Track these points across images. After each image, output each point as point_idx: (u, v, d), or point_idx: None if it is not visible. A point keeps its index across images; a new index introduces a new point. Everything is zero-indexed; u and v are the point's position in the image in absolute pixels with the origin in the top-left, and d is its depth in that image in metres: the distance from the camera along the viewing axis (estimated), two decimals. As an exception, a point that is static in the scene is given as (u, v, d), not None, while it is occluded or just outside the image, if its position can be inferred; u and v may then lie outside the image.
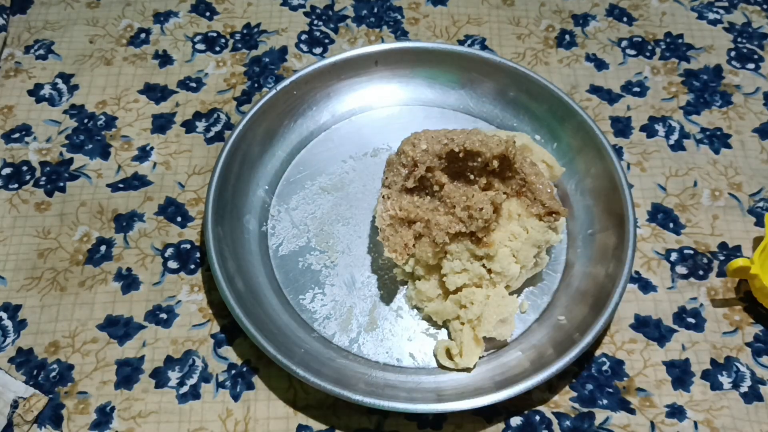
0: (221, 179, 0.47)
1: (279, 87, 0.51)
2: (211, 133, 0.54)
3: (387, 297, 0.47)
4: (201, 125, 0.54)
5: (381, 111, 0.54)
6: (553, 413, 0.43)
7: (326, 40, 0.59)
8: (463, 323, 0.43)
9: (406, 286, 0.47)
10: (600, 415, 0.43)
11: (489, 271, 0.44)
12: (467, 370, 0.43)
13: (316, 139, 0.53)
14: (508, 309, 0.43)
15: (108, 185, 0.51)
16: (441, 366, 0.44)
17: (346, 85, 0.53)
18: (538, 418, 0.43)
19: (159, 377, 0.44)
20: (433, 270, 0.45)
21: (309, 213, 0.50)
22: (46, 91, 0.56)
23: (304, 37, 0.59)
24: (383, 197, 0.44)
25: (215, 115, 0.55)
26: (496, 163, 0.43)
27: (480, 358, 0.43)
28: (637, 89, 0.57)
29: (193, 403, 0.43)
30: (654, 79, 0.57)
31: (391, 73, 0.54)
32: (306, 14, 0.61)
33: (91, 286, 0.47)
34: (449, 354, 0.44)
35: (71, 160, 0.52)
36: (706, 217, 0.51)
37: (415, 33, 0.59)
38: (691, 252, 0.49)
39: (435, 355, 0.44)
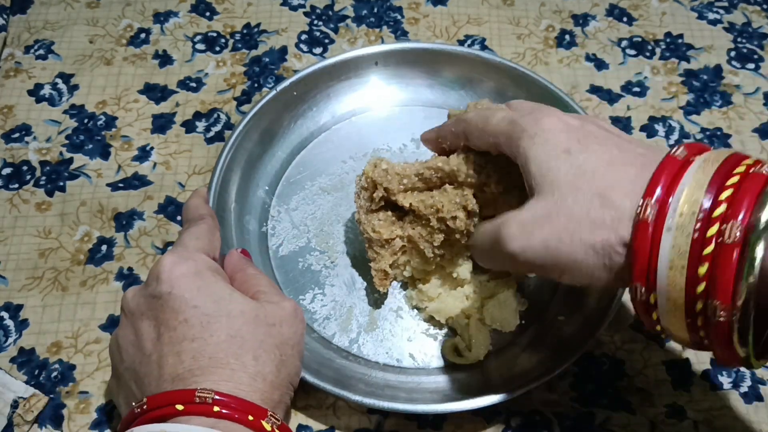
0: (221, 180, 0.47)
1: (279, 87, 0.51)
2: (211, 133, 0.54)
3: (387, 297, 0.47)
4: (201, 125, 0.54)
5: (381, 111, 0.54)
6: (553, 413, 0.43)
7: (326, 40, 0.59)
8: (468, 316, 0.43)
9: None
10: (600, 415, 0.43)
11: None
12: (477, 363, 0.43)
13: (316, 139, 0.53)
14: (509, 298, 0.43)
15: (108, 185, 0.51)
16: (451, 364, 0.44)
17: (346, 85, 0.53)
18: (538, 418, 0.43)
19: (159, 377, 0.44)
20: (433, 271, 0.45)
21: (309, 213, 0.50)
22: (46, 91, 0.56)
23: (304, 37, 0.59)
24: (357, 221, 0.44)
25: (215, 115, 0.55)
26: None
27: (488, 350, 0.43)
28: (637, 89, 0.57)
29: (194, 403, 0.43)
30: (654, 79, 0.57)
31: (391, 73, 0.54)
32: (306, 14, 0.61)
33: (92, 286, 0.47)
34: (456, 351, 0.44)
35: (71, 160, 0.52)
36: (706, 217, 0.51)
37: (415, 33, 0.59)
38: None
39: (443, 354, 0.44)
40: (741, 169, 0.28)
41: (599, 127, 0.34)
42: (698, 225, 0.27)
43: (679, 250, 0.28)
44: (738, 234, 0.26)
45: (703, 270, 0.27)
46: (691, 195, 0.28)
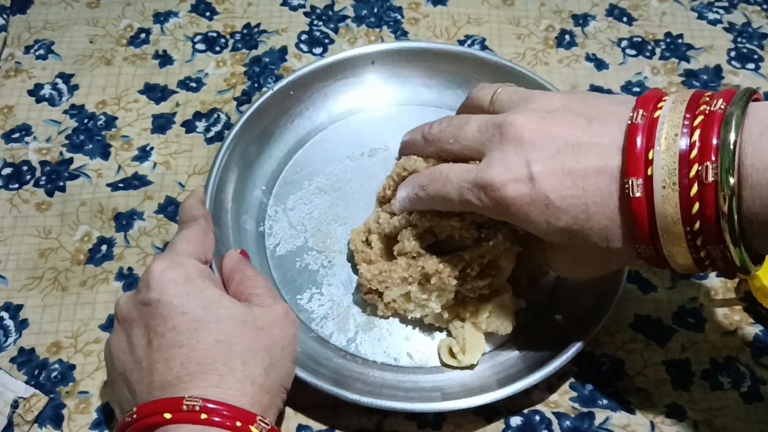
0: (218, 179, 0.47)
1: (276, 87, 0.51)
2: (211, 133, 0.54)
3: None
4: (201, 125, 0.54)
5: (378, 111, 0.54)
6: (553, 413, 0.43)
7: (326, 40, 0.59)
8: (463, 319, 0.43)
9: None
10: (600, 415, 0.43)
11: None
12: (471, 367, 0.43)
13: (313, 139, 0.53)
14: (505, 302, 0.43)
15: (108, 185, 0.51)
16: (445, 365, 0.44)
17: (342, 85, 0.53)
18: (538, 417, 0.43)
19: (158, 377, 0.44)
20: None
21: (306, 213, 0.50)
22: (46, 91, 0.56)
23: (304, 37, 0.59)
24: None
25: (215, 115, 0.55)
26: None
27: (482, 354, 0.43)
28: (637, 89, 0.56)
29: (193, 402, 0.43)
30: (654, 79, 0.57)
31: (388, 72, 0.53)
32: (306, 14, 0.61)
33: (92, 286, 0.47)
34: (452, 353, 0.44)
35: (71, 160, 0.52)
36: (706, 217, 0.50)
37: (415, 33, 0.59)
38: (691, 252, 0.49)
39: (438, 355, 0.44)
40: (703, 107, 0.33)
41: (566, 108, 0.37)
42: (682, 169, 0.32)
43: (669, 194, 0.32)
44: (714, 175, 0.31)
45: (695, 209, 0.32)
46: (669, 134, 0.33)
